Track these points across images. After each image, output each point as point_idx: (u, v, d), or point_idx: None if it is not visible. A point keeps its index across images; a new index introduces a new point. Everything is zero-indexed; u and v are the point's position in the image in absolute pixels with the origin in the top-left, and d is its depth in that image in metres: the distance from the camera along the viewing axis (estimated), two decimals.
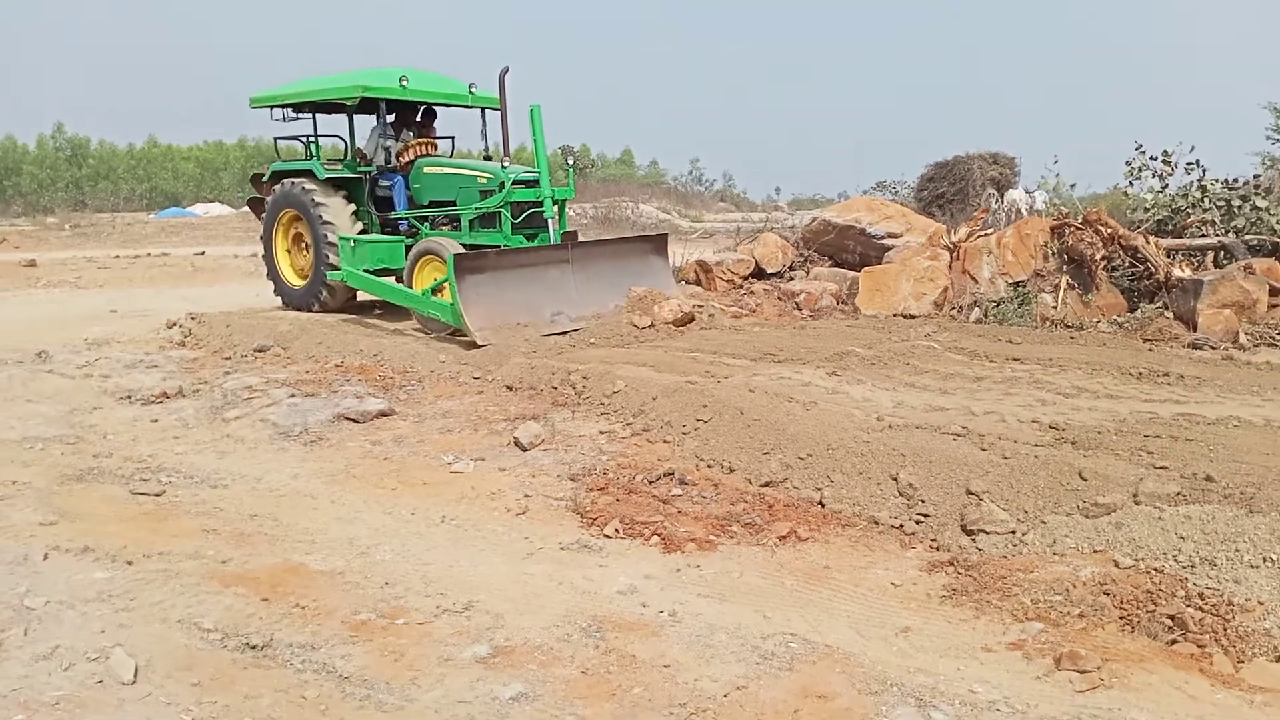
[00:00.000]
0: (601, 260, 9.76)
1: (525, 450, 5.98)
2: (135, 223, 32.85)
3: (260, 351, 8.99)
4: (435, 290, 9.10)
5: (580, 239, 10.34)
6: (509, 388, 7.32)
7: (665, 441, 5.95)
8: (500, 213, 9.94)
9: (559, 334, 8.65)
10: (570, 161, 11.52)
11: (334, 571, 4.24)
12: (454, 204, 10.51)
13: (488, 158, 11.57)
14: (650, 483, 5.34)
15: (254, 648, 3.49)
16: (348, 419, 6.72)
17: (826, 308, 10.84)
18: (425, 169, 10.96)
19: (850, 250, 12.66)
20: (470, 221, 10.27)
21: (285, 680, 3.28)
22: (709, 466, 5.59)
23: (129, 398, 7.53)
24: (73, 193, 47.45)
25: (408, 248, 10.36)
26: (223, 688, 3.20)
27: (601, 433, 6.21)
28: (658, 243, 10.56)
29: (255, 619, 3.72)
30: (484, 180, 10.27)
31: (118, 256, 22.04)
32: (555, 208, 9.83)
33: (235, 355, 8.97)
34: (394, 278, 10.17)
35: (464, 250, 9.49)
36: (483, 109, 11.56)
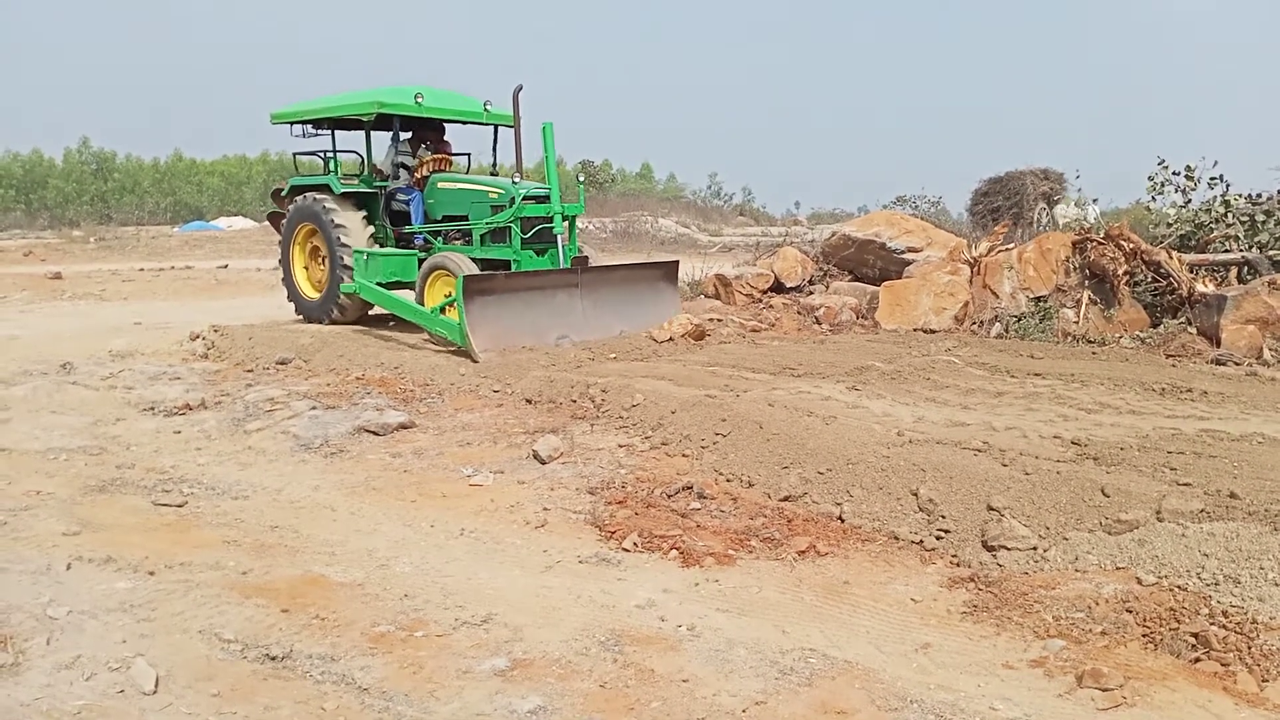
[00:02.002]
0: (610, 286, 9.79)
1: (544, 463, 5.99)
2: (160, 236, 33.21)
3: (282, 364, 9.05)
4: (444, 308, 9.17)
5: (591, 264, 10.34)
6: (528, 401, 7.34)
7: (684, 455, 5.95)
8: (511, 227, 10.02)
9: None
10: (581, 179, 11.54)
11: (354, 583, 4.25)
12: (466, 219, 10.60)
13: (494, 173, 11.68)
14: (669, 496, 5.33)
15: (274, 659, 3.50)
16: (368, 431, 6.75)
17: (846, 322, 10.82)
18: (439, 184, 11.04)
19: (870, 265, 12.64)
20: (481, 236, 10.33)
21: (305, 691, 3.29)
22: (728, 480, 5.58)
23: (152, 409, 7.59)
24: (98, 206, 48.05)
25: (420, 261, 10.45)
26: (243, 698, 3.22)
27: (620, 446, 6.21)
28: (668, 270, 10.53)
29: (275, 630, 3.74)
30: (495, 196, 10.36)
31: (142, 269, 22.27)
32: (565, 223, 9.86)
33: (257, 368, 9.02)
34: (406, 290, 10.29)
35: (476, 267, 9.60)
36: (496, 126, 11.68)
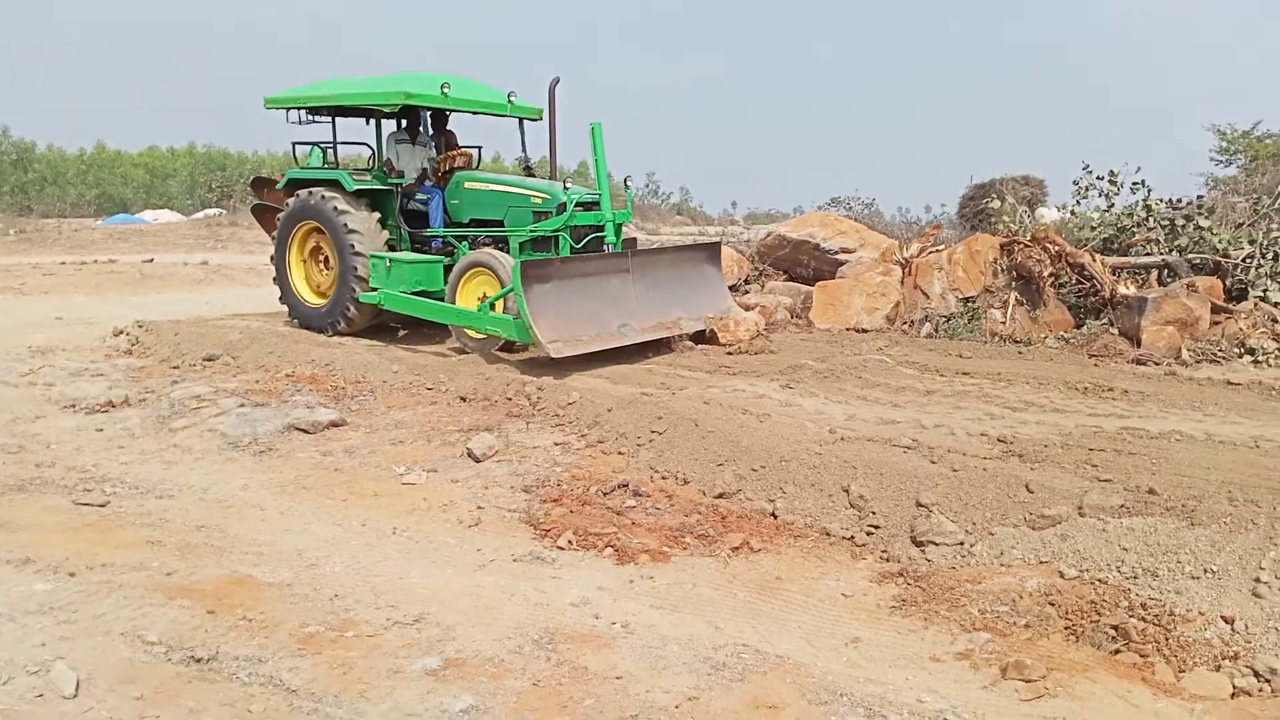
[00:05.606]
0: (660, 269, 9.24)
1: (478, 461, 5.95)
2: (82, 229, 32.20)
3: (209, 360, 8.86)
4: (492, 305, 8.51)
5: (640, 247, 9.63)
6: (463, 398, 7.29)
7: (620, 453, 5.96)
8: (558, 236, 9.12)
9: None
10: (628, 185, 10.84)
11: (282, 583, 4.19)
12: (500, 223, 9.63)
13: (528, 170, 10.85)
14: (604, 494, 5.34)
15: (199, 661, 3.43)
16: (298, 429, 6.65)
17: (781, 321, 10.90)
18: (466, 184, 9.99)
19: (804, 265, 12.77)
20: (521, 244, 9.32)
21: (231, 694, 3.23)
22: (663, 478, 5.60)
23: (73, 406, 7.39)
24: (18, 198, 46.41)
25: (446, 268, 9.50)
26: (167, 701, 3.15)
27: (556, 444, 6.20)
28: (711, 251, 10.03)
29: (201, 631, 3.67)
30: (539, 200, 9.39)
31: (64, 263, 21.58)
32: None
33: (183, 364, 8.82)
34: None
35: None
36: (520, 119, 10.65)
